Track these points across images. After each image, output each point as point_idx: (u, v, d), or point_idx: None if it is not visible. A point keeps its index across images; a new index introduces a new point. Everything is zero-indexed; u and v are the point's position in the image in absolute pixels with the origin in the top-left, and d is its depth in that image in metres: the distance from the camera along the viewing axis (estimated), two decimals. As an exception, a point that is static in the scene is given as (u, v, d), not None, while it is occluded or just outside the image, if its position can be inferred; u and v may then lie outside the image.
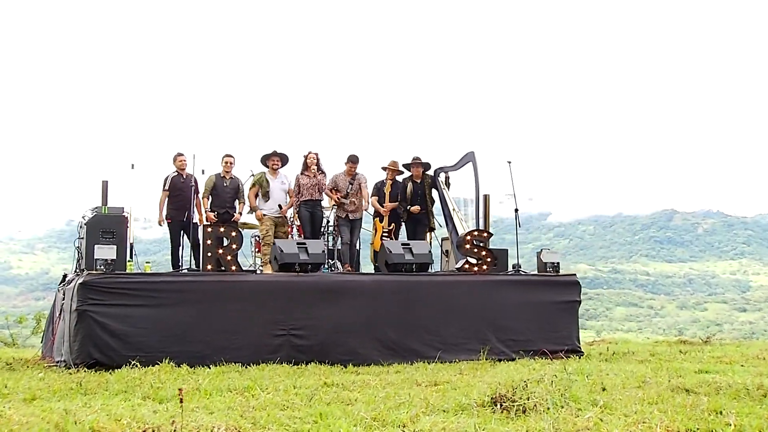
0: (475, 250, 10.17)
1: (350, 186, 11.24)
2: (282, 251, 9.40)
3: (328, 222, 11.67)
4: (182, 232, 10.85)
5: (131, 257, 10.07)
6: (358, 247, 11.73)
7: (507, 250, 10.99)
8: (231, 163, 11.17)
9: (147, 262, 10.17)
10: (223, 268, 9.22)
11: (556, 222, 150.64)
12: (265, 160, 11.24)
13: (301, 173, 11.20)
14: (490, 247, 10.67)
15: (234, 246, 9.30)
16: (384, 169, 11.58)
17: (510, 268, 10.70)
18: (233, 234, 9.35)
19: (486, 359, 9.12)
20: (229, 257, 9.24)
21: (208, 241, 9.25)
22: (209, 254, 9.23)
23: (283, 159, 11.28)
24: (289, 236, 12.00)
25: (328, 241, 11.56)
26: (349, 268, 10.90)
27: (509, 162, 11.02)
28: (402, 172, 11.61)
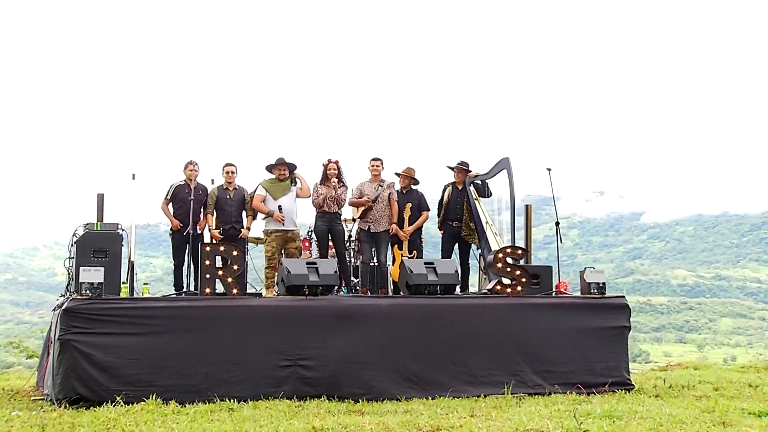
0: (509, 269, 9.93)
1: (379, 190, 11.12)
2: (289, 272, 9.31)
3: (350, 237, 11.57)
4: (187, 247, 10.84)
5: (130, 278, 10.15)
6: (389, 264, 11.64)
7: (551, 267, 10.69)
8: (233, 173, 11.11)
9: (145, 284, 10.22)
10: (223, 292, 9.20)
11: (651, 222, 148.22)
12: (270, 169, 11.14)
13: (320, 183, 11.10)
14: (534, 263, 10.46)
15: (236, 267, 9.25)
16: (397, 175, 11.46)
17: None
18: (235, 253, 9.30)
19: (512, 394, 8.90)
20: (230, 279, 9.20)
21: (207, 262, 9.22)
22: (208, 276, 9.20)
23: (291, 167, 11.15)
24: (308, 252, 11.98)
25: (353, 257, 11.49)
26: (367, 291, 10.79)
27: (549, 169, 10.90)
28: (417, 182, 11.48)
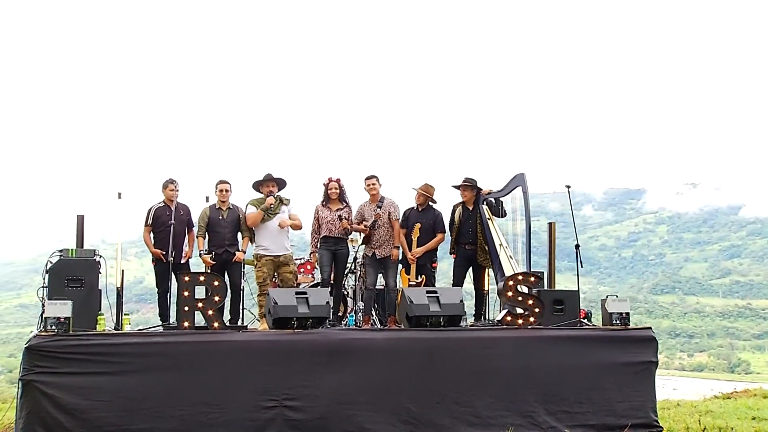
0: (520, 297, 9.73)
1: (377, 210, 11.04)
2: (276, 303, 9.23)
3: (355, 259, 11.50)
4: (172, 274, 10.85)
5: (118, 307, 10.20)
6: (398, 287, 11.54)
7: (577, 291, 10.46)
8: (227, 191, 11.12)
9: (126, 314, 10.22)
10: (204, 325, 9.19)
11: (751, 217, 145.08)
12: (258, 186, 11.13)
13: (322, 205, 11.11)
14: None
15: (217, 298, 9.22)
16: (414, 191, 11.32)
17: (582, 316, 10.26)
18: (216, 283, 9.27)
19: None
20: (210, 311, 9.17)
21: (186, 293, 9.19)
22: (186, 308, 9.17)
23: (280, 184, 11.13)
24: (310, 276, 11.95)
25: (356, 281, 11.42)
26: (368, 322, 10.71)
27: (568, 186, 10.87)
28: (435, 201, 11.35)
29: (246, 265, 11.57)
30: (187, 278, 9.30)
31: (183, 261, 11.10)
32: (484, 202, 11.35)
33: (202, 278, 9.34)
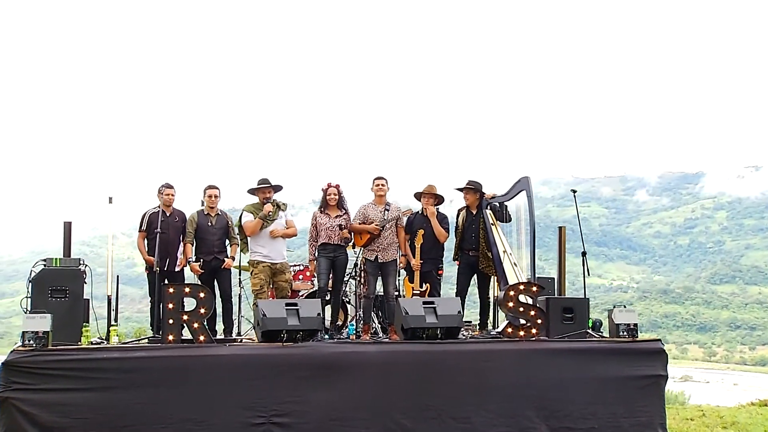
0: (521, 308, 9.66)
1: (386, 212, 11.04)
2: (265, 315, 9.25)
3: (356, 265, 11.49)
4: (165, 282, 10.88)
5: (108, 317, 10.29)
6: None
7: (588, 300, 10.39)
8: (216, 196, 11.18)
9: (113, 325, 10.30)
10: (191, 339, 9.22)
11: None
12: (254, 192, 11.24)
13: (320, 211, 11.15)
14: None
15: (203, 310, 9.24)
16: (418, 196, 11.30)
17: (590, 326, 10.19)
18: (202, 295, 9.29)
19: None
20: (196, 324, 9.19)
21: (170, 305, 9.23)
22: (171, 321, 9.20)
23: (277, 190, 11.28)
24: (309, 282, 11.98)
25: (357, 288, 11.43)
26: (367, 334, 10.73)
27: (574, 191, 11.11)
28: (442, 201, 11.30)
29: (239, 271, 11.64)
30: (171, 290, 9.31)
31: (177, 269, 11.14)
32: (488, 207, 11.30)
33: (187, 290, 9.36)
